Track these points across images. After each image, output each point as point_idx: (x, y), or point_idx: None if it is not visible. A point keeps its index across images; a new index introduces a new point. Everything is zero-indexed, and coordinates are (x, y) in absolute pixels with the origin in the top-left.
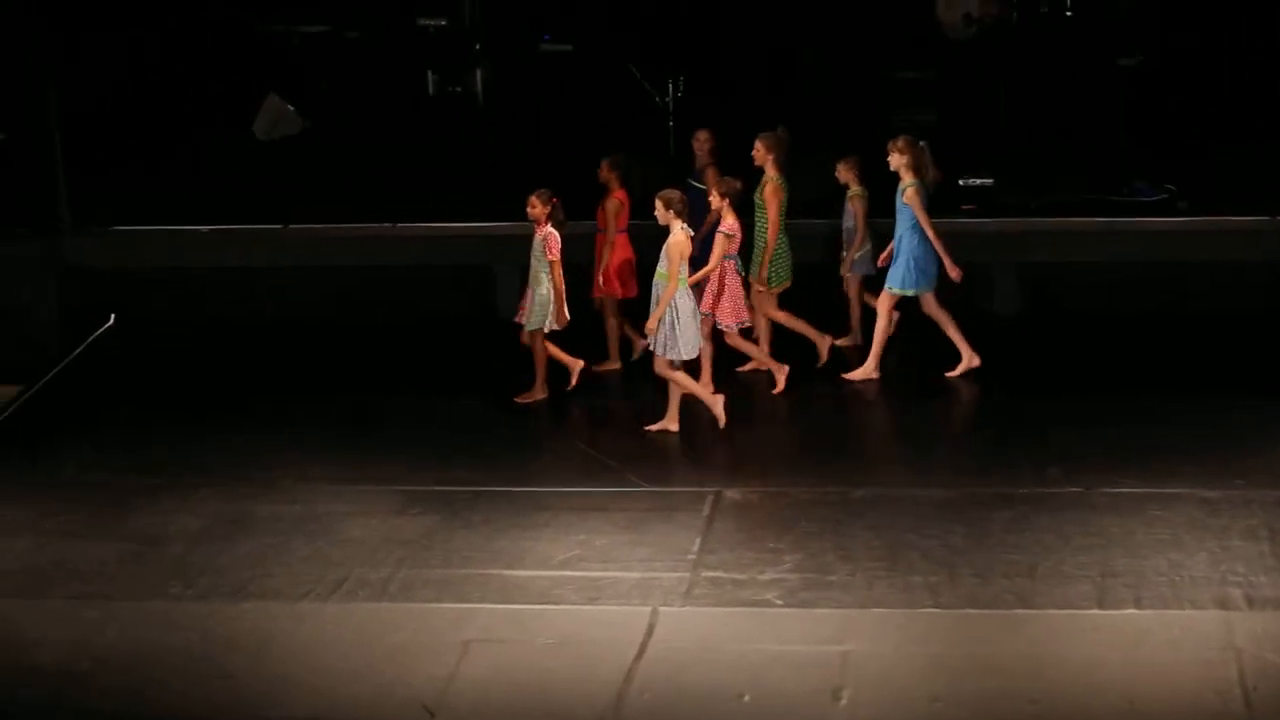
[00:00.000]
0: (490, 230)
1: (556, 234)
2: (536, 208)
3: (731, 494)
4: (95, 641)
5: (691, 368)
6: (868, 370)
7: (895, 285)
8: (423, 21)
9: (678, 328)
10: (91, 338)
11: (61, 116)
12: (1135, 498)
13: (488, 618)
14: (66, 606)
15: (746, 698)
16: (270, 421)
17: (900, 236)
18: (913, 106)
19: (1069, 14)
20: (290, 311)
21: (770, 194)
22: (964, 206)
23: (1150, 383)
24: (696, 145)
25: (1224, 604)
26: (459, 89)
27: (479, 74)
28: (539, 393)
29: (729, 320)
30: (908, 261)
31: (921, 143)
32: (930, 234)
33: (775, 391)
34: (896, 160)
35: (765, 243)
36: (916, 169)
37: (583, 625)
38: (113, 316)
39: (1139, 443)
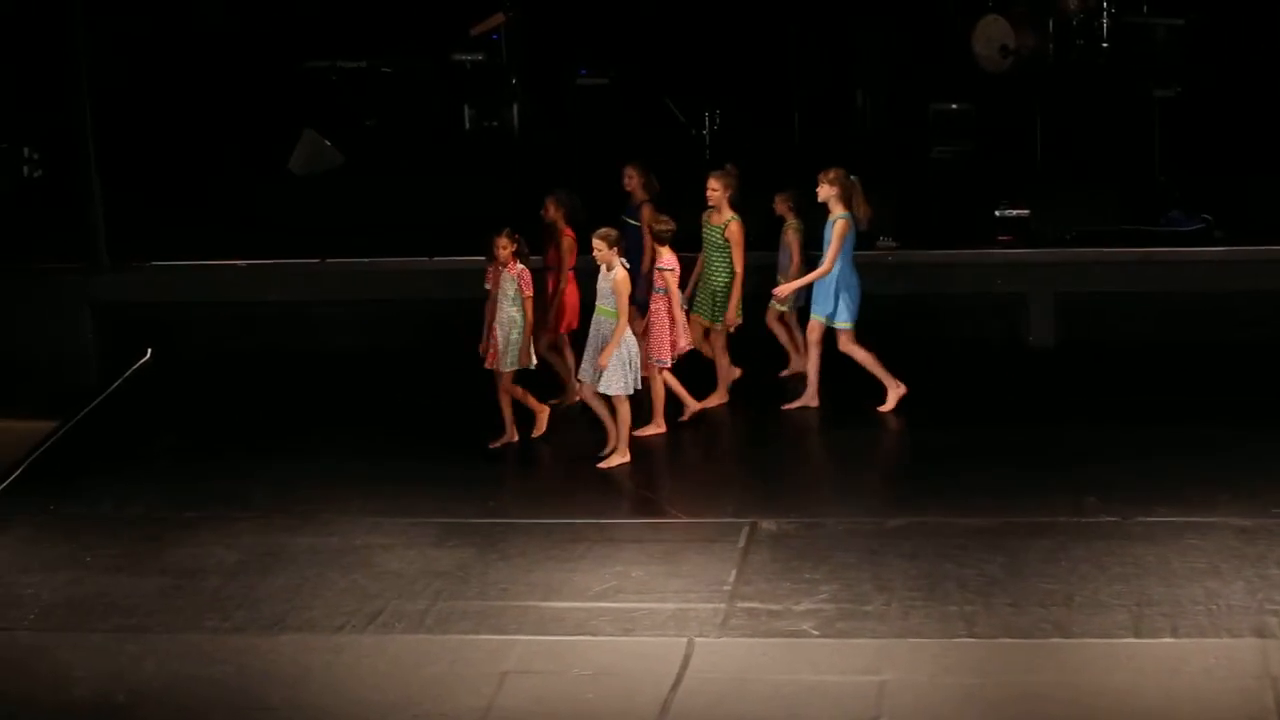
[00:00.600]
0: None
1: (529, 271)
2: (507, 248)
3: (767, 525)
4: (133, 674)
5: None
6: (808, 398)
7: (825, 315)
8: (459, 56)
9: (631, 365)
10: (128, 372)
11: (99, 152)
12: (1172, 527)
13: (524, 649)
14: (104, 640)
15: None
16: (307, 454)
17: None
18: (950, 138)
19: (1105, 45)
20: (327, 345)
21: (735, 232)
22: (1000, 237)
23: (1186, 412)
24: (628, 182)
25: (1261, 632)
26: (495, 123)
27: (515, 108)
28: (511, 435)
29: (660, 355)
30: (839, 293)
31: (853, 177)
32: (826, 265)
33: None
34: (826, 191)
35: (728, 281)
36: (847, 202)
37: (619, 657)
38: (150, 351)
39: (1175, 472)
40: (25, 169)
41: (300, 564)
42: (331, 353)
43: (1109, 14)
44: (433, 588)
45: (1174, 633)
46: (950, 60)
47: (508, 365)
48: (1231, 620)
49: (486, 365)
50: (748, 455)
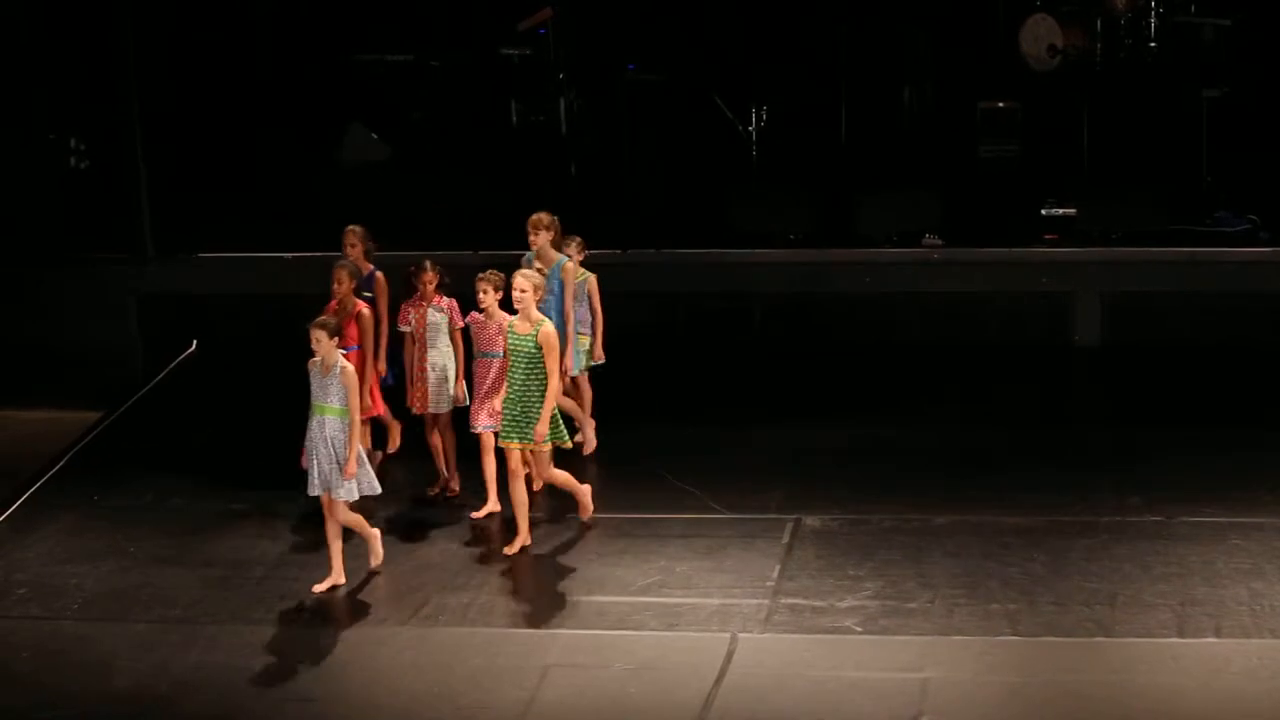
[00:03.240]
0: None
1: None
2: (434, 281)
3: (811, 521)
4: (175, 665)
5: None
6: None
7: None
8: (506, 51)
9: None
10: (173, 364)
11: (146, 143)
12: (1216, 527)
13: (567, 643)
14: (147, 630)
15: None
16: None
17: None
18: (997, 136)
19: (1153, 45)
20: None
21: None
22: (1047, 236)
23: (1231, 413)
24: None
25: None
26: (542, 118)
27: (562, 104)
28: (454, 481)
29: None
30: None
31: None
32: (570, 316)
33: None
34: (544, 238)
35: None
36: (559, 245)
37: (662, 651)
38: (194, 343)
39: (1220, 472)
40: (72, 159)
41: (344, 556)
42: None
43: (1157, 14)
44: (476, 580)
45: (1217, 633)
46: (998, 59)
47: (444, 406)
48: (1275, 621)
49: (417, 410)
50: (792, 452)
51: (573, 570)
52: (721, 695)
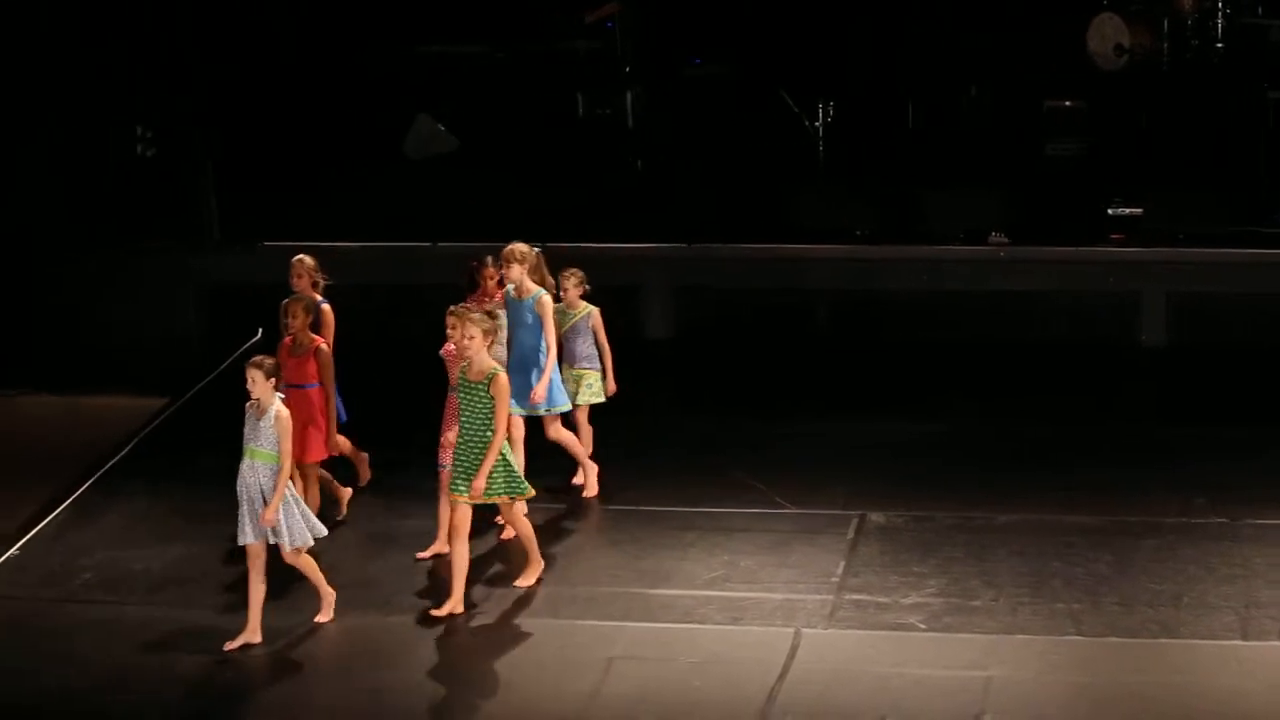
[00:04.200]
0: (639, 252)
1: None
2: (495, 277)
3: (876, 517)
4: (239, 650)
5: None
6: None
7: (558, 405)
8: (573, 43)
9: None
10: (239, 351)
11: (212, 132)
12: None
13: (633, 636)
14: (211, 616)
15: None
16: (411, 440)
17: (540, 350)
18: (1063, 135)
19: (1219, 45)
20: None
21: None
22: (1113, 235)
23: None
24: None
25: None
26: (608, 111)
27: (629, 97)
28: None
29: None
30: (554, 377)
31: (537, 249)
32: (553, 352)
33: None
34: (519, 272)
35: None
36: (542, 279)
37: (726, 645)
38: (260, 331)
39: None
40: (139, 147)
41: (411, 546)
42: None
43: (1224, 14)
44: (541, 571)
45: None
46: (1064, 57)
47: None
48: None
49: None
50: (857, 448)
51: (638, 563)
52: (785, 690)
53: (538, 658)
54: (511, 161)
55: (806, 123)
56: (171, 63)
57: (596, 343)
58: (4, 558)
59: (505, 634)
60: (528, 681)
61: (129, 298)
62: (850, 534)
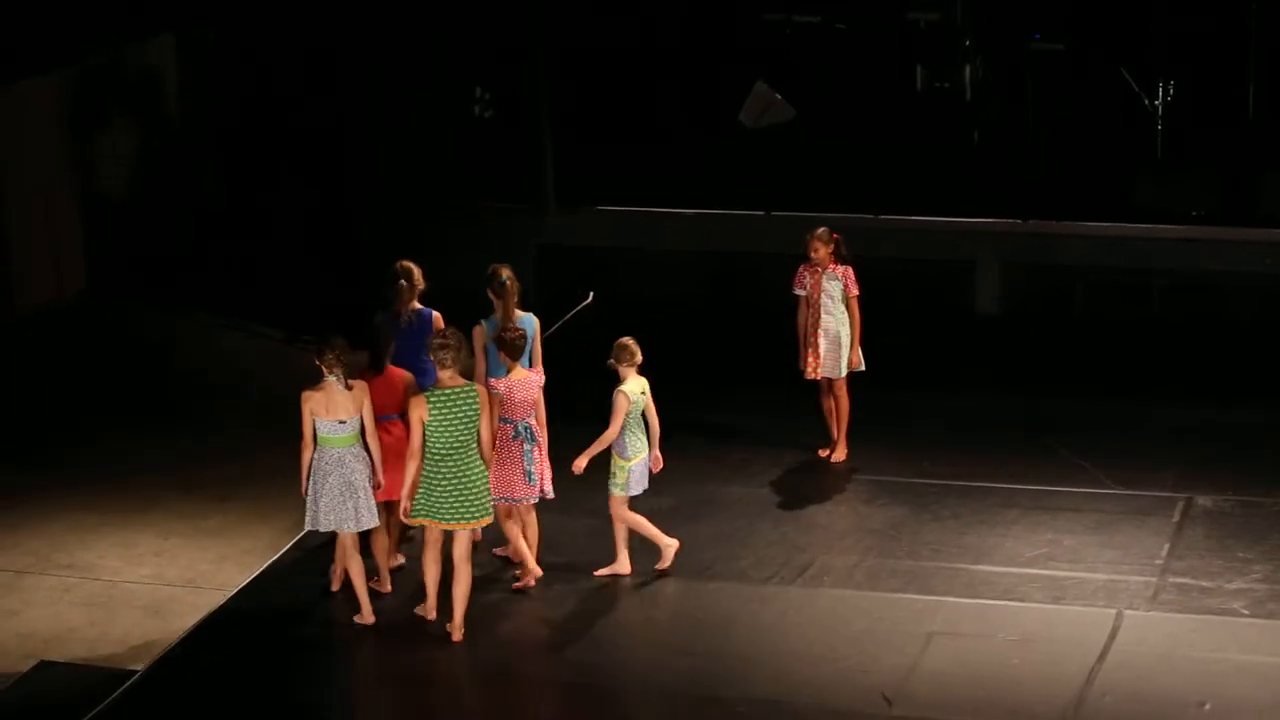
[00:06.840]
0: (975, 226)
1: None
2: (825, 247)
3: (1204, 501)
4: (556, 613)
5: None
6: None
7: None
8: (913, 15)
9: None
10: (569, 314)
11: (551, 95)
12: None
13: (951, 611)
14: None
15: (1207, 706)
16: (748, 403)
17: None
18: None
19: None
20: (768, 297)
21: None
22: None
23: None
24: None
25: None
26: (947, 85)
27: (967, 71)
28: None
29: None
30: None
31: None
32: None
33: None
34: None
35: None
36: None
37: (1046, 625)
38: (590, 294)
39: None
40: (476, 108)
41: (732, 513)
42: (774, 304)
43: None
44: (863, 544)
45: None
46: None
47: (840, 370)
48: None
49: (809, 376)
50: (1188, 431)
51: (960, 538)
52: (1104, 672)
53: (856, 629)
54: (848, 132)
55: (1146, 101)
56: (514, 24)
57: (646, 420)
58: None
59: (822, 605)
60: (845, 653)
61: (465, 258)
62: (1176, 517)
